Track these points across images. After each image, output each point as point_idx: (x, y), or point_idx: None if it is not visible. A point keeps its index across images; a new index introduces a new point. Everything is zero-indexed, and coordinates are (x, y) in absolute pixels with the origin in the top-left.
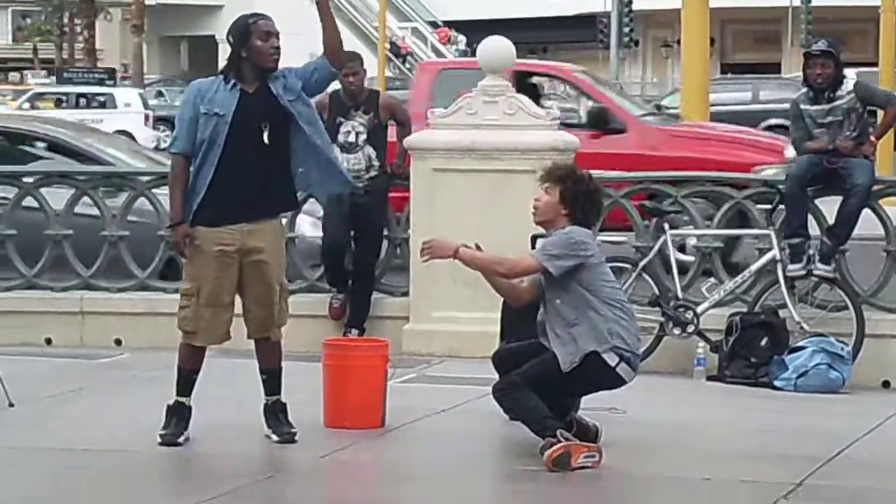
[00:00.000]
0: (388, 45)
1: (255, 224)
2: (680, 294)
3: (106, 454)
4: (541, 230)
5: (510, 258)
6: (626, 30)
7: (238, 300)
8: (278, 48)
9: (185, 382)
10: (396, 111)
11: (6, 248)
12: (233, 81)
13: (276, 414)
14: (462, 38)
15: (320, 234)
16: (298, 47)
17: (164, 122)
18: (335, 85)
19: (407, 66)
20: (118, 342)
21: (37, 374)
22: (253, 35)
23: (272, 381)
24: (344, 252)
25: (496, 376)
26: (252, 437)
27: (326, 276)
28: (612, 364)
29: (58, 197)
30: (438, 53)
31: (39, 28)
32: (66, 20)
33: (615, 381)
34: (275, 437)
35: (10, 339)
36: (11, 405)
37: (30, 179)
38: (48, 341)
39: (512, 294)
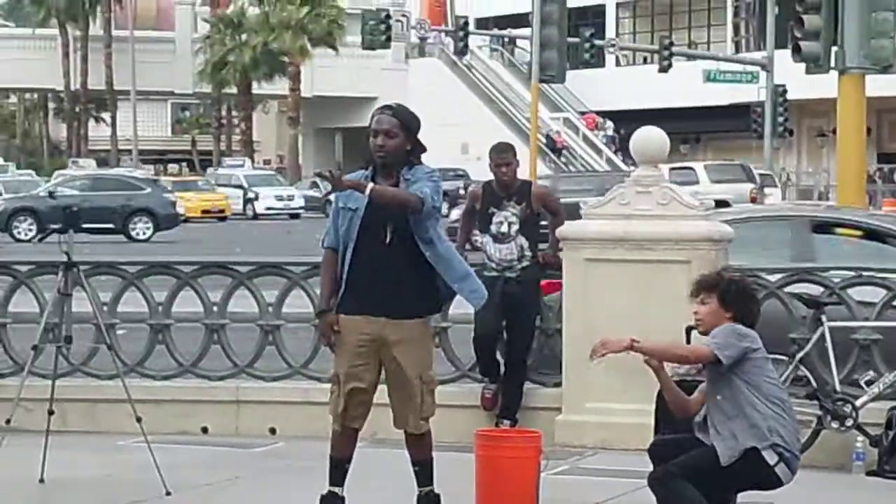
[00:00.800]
0: (543, 140)
1: (393, 320)
2: (838, 387)
3: None
4: (692, 321)
5: (685, 347)
6: (781, 119)
7: None
8: (382, 146)
9: (337, 471)
10: (549, 201)
11: (165, 337)
12: (369, 176)
13: None
14: (610, 124)
15: None
16: (453, 138)
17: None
18: (488, 175)
19: (563, 159)
20: (273, 431)
21: (193, 462)
22: (370, 127)
23: (423, 472)
24: (496, 342)
25: (650, 468)
26: None
27: (479, 366)
28: (772, 463)
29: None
30: (589, 143)
31: (198, 121)
32: (223, 113)
33: (772, 481)
34: None
35: (167, 427)
36: (168, 493)
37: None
38: (204, 430)
39: (684, 406)
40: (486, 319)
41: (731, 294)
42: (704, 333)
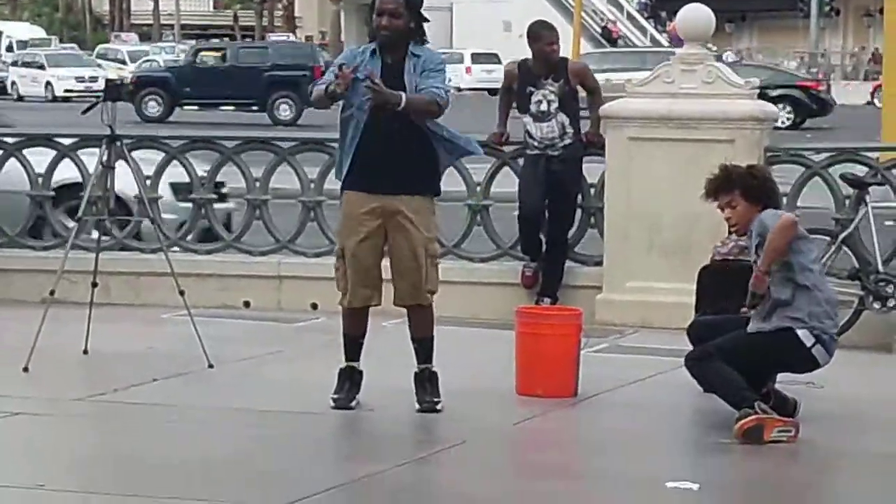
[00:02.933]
0: (599, 31)
1: (396, 195)
2: (881, 267)
3: (300, 416)
4: (706, 261)
5: (774, 235)
6: None
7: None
8: (387, 26)
9: (351, 347)
10: (586, 77)
11: (208, 212)
12: (373, 49)
13: (423, 383)
14: None
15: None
16: (495, 15)
17: None
18: (525, 53)
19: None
20: (314, 306)
21: (235, 335)
22: (374, 9)
23: (423, 349)
24: (540, 220)
25: (690, 348)
26: (446, 403)
27: (521, 243)
28: (808, 344)
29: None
30: (634, 21)
31: None
32: None
33: (809, 363)
34: (416, 406)
35: (210, 301)
36: (211, 366)
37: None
38: (246, 304)
39: None
40: (531, 198)
41: (755, 188)
42: (742, 234)
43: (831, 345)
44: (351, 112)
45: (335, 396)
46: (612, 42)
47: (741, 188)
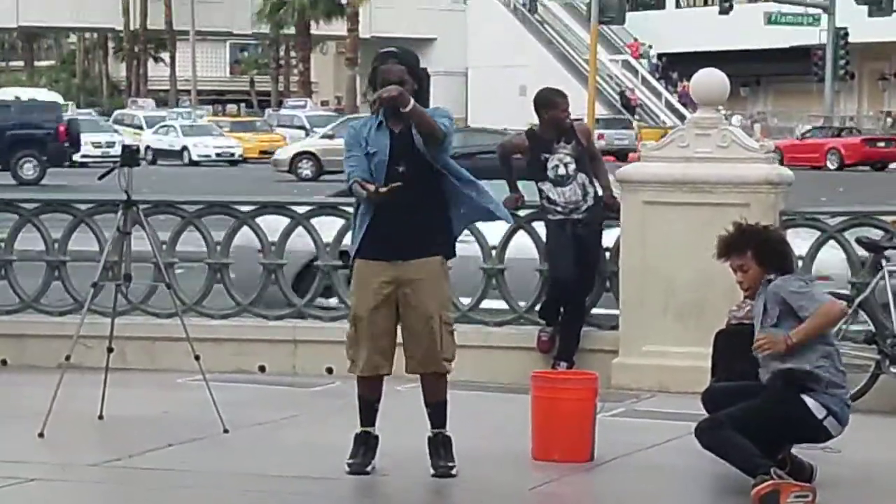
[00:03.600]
0: (617, 97)
1: (411, 261)
2: None
3: (316, 481)
4: (721, 325)
5: (820, 314)
6: (842, 62)
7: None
8: (394, 98)
9: (366, 412)
10: (591, 140)
11: (223, 276)
12: (380, 121)
13: (437, 447)
14: (653, 52)
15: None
16: (509, 80)
17: None
18: (528, 119)
19: (636, 117)
20: (329, 370)
21: (251, 400)
22: (378, 79)
23: (437, 414)
24: (575, 288)
25: (706, 413)
26: (458, 466)
27: (543, 308)
28: (819, 417)
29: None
30: (648, 85)
31: (256, 61)
32: (282, 53)
33: (821, 434)
34: (431, 471)
35: (225, 366)
36: (226, 431)
37: (246, 208)
38: (262, 368)
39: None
40: (566, 262)
41: (768, 252)
42: (751, 296)
43: (844, 415)
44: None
45: (350, 461)
46: (631, 110)
47: (753, 252)
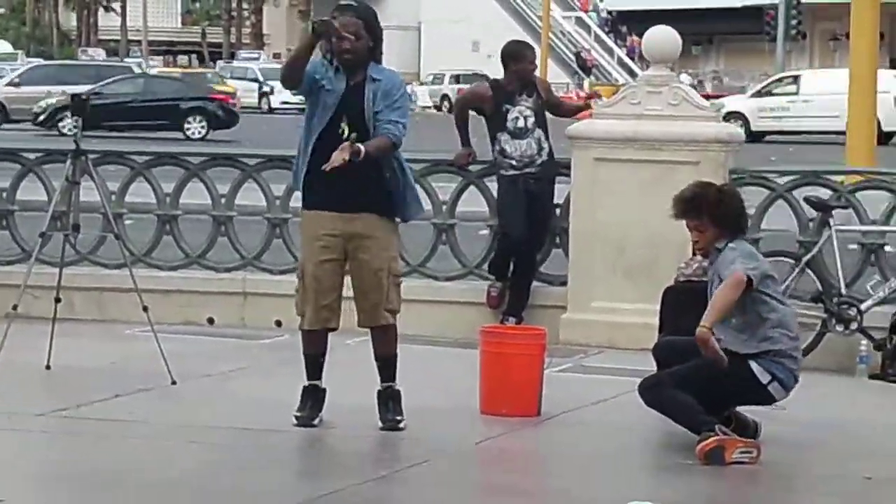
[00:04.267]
0: (573, 58)
1: (357, 214)
2: (844, 290)
3: (263, 433)
4: (671, 282)
5: (723, 292)
6: (794, 22)
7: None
8: (349, 49)
9: (312, 366)
10: (550, 92)
11: (172, 228)
12: (337, 66)
13: (386, 401)
14: (603, 6)
15: None
16: (462, 35)
17: None
18: (495, 73)
19: (592, 77)
20: (278, 323)
21: (199, 352)
22: (332, 30)
23: (386, 368)
24: (526, 244)
25: (654, 369)
26: (406, 420)
27: (493, 263)
28: (763, 382)
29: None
30: (601, 42)
31: (208, 12)
32: (234, 4)
33: (765, 398)
34: (379, 425)
35: (173, 317)
36: (174, 382)
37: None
38: (210, 321)
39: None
40: (517, 221)
41: (723, 214)
42: (704, 254)
43: (789, 380)
44: (312, 120)
45: (298, 414)
46: (587, 70)
47: (709, 214)
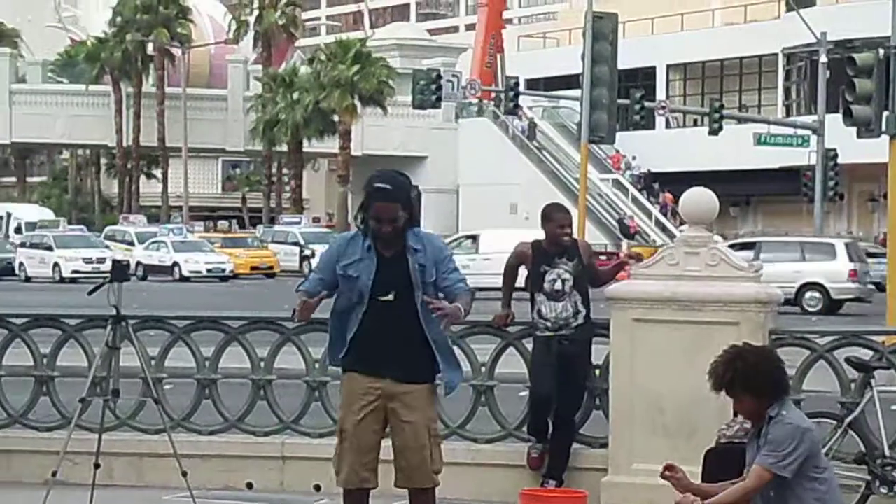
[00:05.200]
0: (616, 225)
1: (401, 384)
2: (887, 451)
3: None
4: (711, 444)
5: (740, 484)
6: (831, 183)
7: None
8: (389, 231)
9: None
10: (592, 255)
11: (212, 392)
12: (368, 244)
13: None
14: (636, 164)
15: None
16: (501, 198)
17: None
18: (534, 233)
19: (634, 243)
20: (317, 488)
21: None
22: (370, 210)
23: None
24: (553, 403)
25: None
26: None
27: (529, 424)
28: None
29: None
30: (638, 204)
31: (248, 178)
32: (274, 170)
33: None
34: None
35: (212, 482)
36: None
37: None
38: (249, 485)
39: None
40: (544, 380)
41: (757, 383)
42: (754, 424)
43: None
44: (348, 304)
45: None
46: (630, 237)
47: (742, 389)
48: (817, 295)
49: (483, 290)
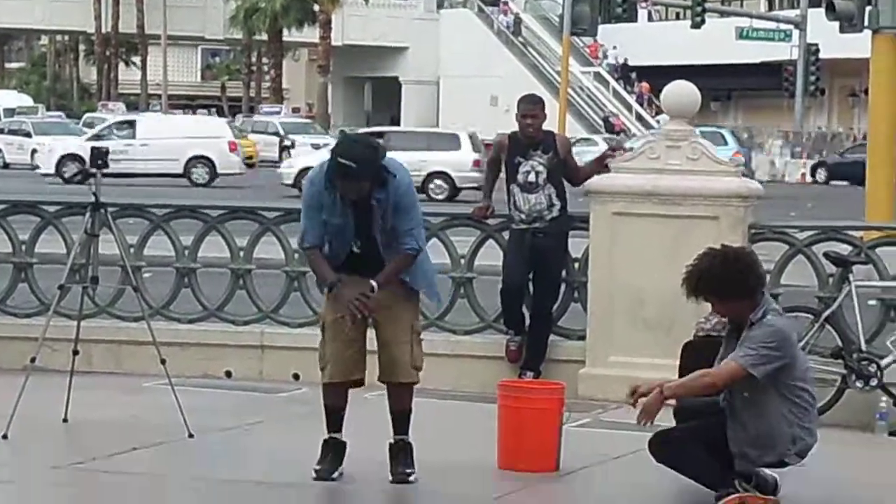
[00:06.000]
0: (601, 122)
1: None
2: (864, 346)
3: (280, 487)
4: (690, 337)
5: (711, 372)
6: (812, 78)
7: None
8: (356, 198)
9: (333, 419)
10: (570, 150)
11: (191, 281)
12: (334, 196)
13: (397, 454)
14: (613, 53)
15: None
16: (482, 90)
17: None
18: (514, 126)
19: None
20: (296, 376)
21: (216, 405)
22: (335, 182)
23: (399, 421)
24: (523, 294)
25: (672, 424)
26: (423, 475)
27: (504, 317)
28: (786, 460)
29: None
30: (618, 96)
31: (228, 67)
32: (253, 59)
33: (780, 464)
34: (389, 478)
35: (191, 370)
36: (191, 436)
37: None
38: (228, 374)
39: (710, 391)
40: (514, 271)
41: (732, 286)
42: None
43: (805, 448)
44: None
45: (317, 468)
46: (615, 135)
47: (715, 295)
48: (442, 184)
49: (140, 177)
